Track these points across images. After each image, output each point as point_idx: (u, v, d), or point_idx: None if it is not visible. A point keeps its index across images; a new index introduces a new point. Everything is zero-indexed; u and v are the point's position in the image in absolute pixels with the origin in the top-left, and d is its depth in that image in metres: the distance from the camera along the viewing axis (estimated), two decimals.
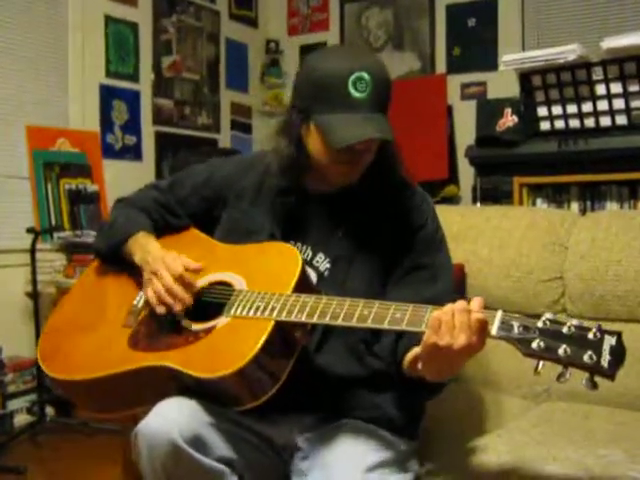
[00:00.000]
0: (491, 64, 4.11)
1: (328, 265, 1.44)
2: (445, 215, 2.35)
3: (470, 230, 2.22)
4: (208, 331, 1.33)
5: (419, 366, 1.21)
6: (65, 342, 1.50)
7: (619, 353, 1.07)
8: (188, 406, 1.27)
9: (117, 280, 1.58)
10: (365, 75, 1.31)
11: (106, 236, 1.60)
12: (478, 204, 3.34)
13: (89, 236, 3.23)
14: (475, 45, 4.30)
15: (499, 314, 1.13)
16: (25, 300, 3.34)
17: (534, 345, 1.09)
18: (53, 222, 3.42)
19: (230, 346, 1.27)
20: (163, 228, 1.60)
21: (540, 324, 1.11)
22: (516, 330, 1.11)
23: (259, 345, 1.22)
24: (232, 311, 1.33)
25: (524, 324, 1.11)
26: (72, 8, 3.67)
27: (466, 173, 3.92)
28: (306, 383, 1.35)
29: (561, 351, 1.07)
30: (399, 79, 4.52)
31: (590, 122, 3.01)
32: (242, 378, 1.23)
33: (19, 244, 3.26)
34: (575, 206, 3.09)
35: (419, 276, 1.41)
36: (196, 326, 1.36)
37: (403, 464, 1.36)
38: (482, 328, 1.11)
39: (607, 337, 1.08)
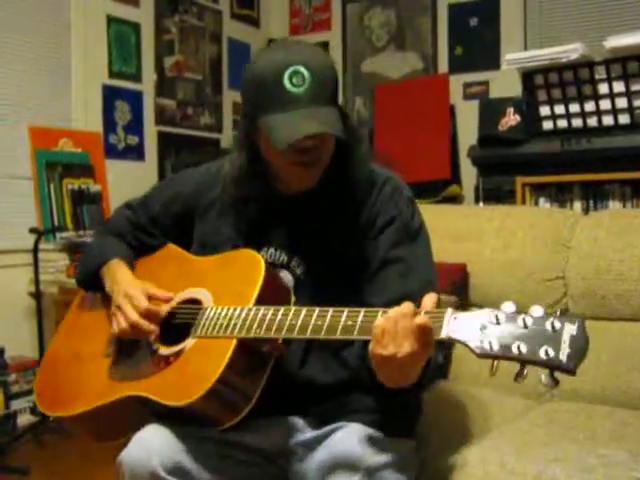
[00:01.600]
0: (493, 63, 4.10)
1: (304, 268, 1.41)
2: (447, 215, 2.37)
3: (473, 230, 2.22)
4: (177, 355, 1.32)
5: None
6: (55, 377, 1.52)
7: (580, 344, 0.95)
8: (167, 434, 1.26)
9: (98, 309, 1.57)
10: (300, 68, 1.24)
11: (82, 265, 1.63)
12: (481, 204, 3.33)
13: (92, 236, 3.23)
14: (477, 44, 4.29)
15: (448, 314, 1.05)
16: (28, 300, 3.35)
17: (485, 344, 0.99)
18: (56, 222, 3.42)
19: (197, 369, 1.26)
20: (139, 248, 1.60)
21: (492, 319, 1.01)
22: None
23: (223, 365, 1.21)
24: (198, 331, 1.31)
25: None
26: (74, 8, 3.67)
27: (468, 173, 3.91)
28: (295, 394, 1.34)
29: (514, 348, 0.97)
30: (401, 79, 4.53)
31: (593, 121, 3.01)
32: (212, 400, 1.22)
33: (22, 244, 3.27)
34: (578, 205, 3.09)
35: (392, 270, 1.35)
36: (167, 350, 1.35)
37: (403, 463, 1.33)
38: (424, 333, 1.04)
39: (567, 326, 0.97)
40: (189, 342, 1.32)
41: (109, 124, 3.87)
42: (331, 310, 1.18)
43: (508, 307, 1.02)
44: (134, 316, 1.38)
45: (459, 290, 2.08)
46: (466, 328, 1.02)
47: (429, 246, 1.44)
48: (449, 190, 4.04)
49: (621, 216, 2.09)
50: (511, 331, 0.99)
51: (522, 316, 1.00)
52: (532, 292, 2.03)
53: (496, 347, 0.99)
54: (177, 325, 1.39)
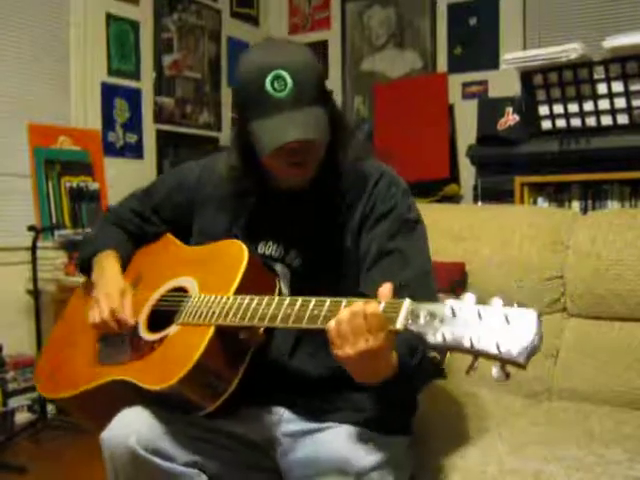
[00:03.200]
0: (492, 63, 4.10)
1: (300, 262, 1.43)
2: (446, 214, 2.37)
3: (471, 229, 2.22)
4: (161, 341, 1.36)
5: None
6: (52, 362, 1.57)
7: (533, 338, 0.93)
8: (148, 414, 1.30)
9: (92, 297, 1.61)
10: (282, 72, 1.25)
11: (80, 251, 1.67)
12: (479, 203, 3.34)
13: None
14: (476, 44, 4.29)
15: (406, 304, 1.05)
16: (26, 298, 3.34)
17: (438, 336, 0.98)
18: (54, 220, 3.42)
19: (177, 354, 1.30)
20: (141, 237, 1.63)
21: (447, 311, 0.99)
22: (422, 320, 1.00)
23: (200, 351, 1.24)
24: (181, 319, 1.35)
25: (431, 312, 1.00)
26: (74, 6, 3.67)
27: (467, 172, 3.91)
28: (284, 384, 1.36)
29: (466, 341, 0.96)
30: (400, 78, 4.53)
31: (591, 121, 3.01)
32: (190, 385, 1.25)
33: (20, 242, 3.26)
34: (576, 205, 3.09)
35: (389, 261, 1.36)
36: (151, 336, 1.39)
37: (395, 462, 1.32)
38: (378, 326, 1.06)
39: (522, 320, 0.94)
40: (172, 329, 1.36)
41: (108, 122, 3.87)
42: (300, 299, 1.20)
43: (469, 298, 1.00)
44: (105, 315, 1.42)
45: (457, 289, 2.09)
46: (423, 319, 1.01)
47: (426, 237, 1.44)
48: (448, 189, 4.04)
49: (620, 216, 2.09)
50: (465, 323, 0.97)
51: (477, 308, 0.98)
52: (530, 291, 2.03)
53: (449, 339, 0.97)
54: (164, 312, 1.43)
